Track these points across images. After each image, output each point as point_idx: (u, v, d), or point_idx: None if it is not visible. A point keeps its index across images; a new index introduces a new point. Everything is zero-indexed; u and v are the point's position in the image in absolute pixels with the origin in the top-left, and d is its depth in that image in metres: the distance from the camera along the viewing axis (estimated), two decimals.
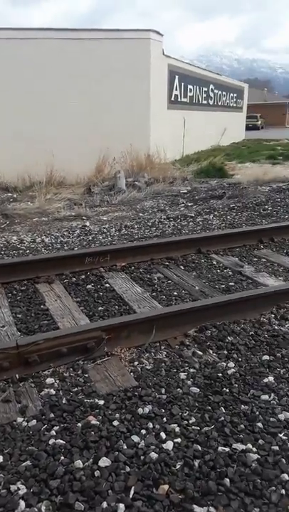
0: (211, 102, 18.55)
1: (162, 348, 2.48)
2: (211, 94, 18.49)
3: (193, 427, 1.78)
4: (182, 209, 6.55)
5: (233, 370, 2.19)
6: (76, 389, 2.07)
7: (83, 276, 3.62)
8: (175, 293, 3.31)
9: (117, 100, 10.17)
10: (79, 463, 1.60)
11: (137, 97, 10.44)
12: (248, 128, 29.04)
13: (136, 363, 2.31)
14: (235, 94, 23.19)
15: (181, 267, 3.87)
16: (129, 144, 9.43)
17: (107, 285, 3.45)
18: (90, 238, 5.00)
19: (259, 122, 38.17)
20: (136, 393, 2.02)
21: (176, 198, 7.44)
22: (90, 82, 9.95)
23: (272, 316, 2.80)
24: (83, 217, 6.11)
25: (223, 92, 20.61)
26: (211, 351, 2.41)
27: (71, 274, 3.64)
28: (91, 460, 1.62)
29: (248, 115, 29.69)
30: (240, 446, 1.65)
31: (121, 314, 2.92)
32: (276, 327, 2.65)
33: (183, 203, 7.01)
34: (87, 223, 5.71)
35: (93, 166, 9.27)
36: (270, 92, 63.30)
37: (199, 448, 1.66)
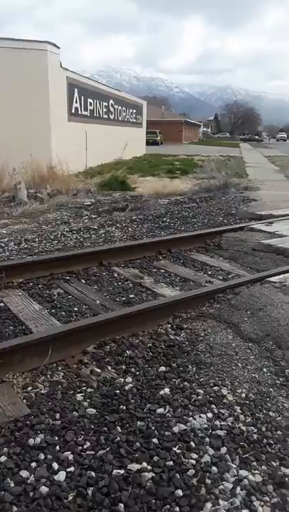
0: (111, 117, 18.92)
1: (59, 368, 2.36)
2: (112, 109, 18.87)
3: (87, 452, 1.69)
4: (86, 221, 6.47)
5: (130, 385, 2.16)
6: None
7: None
8: (75, 308, 3.21)
9: (14, 110, 9.79)
10: None
11: (36, 108, 10.19)
12: (148, 143, 30.19)
13: (29, 388, 2.15)
14: (134, 110, 23.99)
15: (83, 281, 3.78)
16: (29, 155, 9.12)
17: (2, 304, 3.22)
18: None
19: (158, 138, 39.91)
20: (28, 422, 1.86)
21: (80, 210, 7.36)
22: None
23: (169, 326, 2.86)
24: None
25: (123, 108, 21.18)
26: (109, 367, 2.35)
27: None
28: None
29: (148, 131, 30.92)
30: (135, 466, 1.60)
31: (16, 336, 2.72)
32: (172, 337, 2.70)
33: (87, 215, 6.95)
34: None
35: None
36: (168, 110, 66.82)
37: (93, 474, 1.57)
